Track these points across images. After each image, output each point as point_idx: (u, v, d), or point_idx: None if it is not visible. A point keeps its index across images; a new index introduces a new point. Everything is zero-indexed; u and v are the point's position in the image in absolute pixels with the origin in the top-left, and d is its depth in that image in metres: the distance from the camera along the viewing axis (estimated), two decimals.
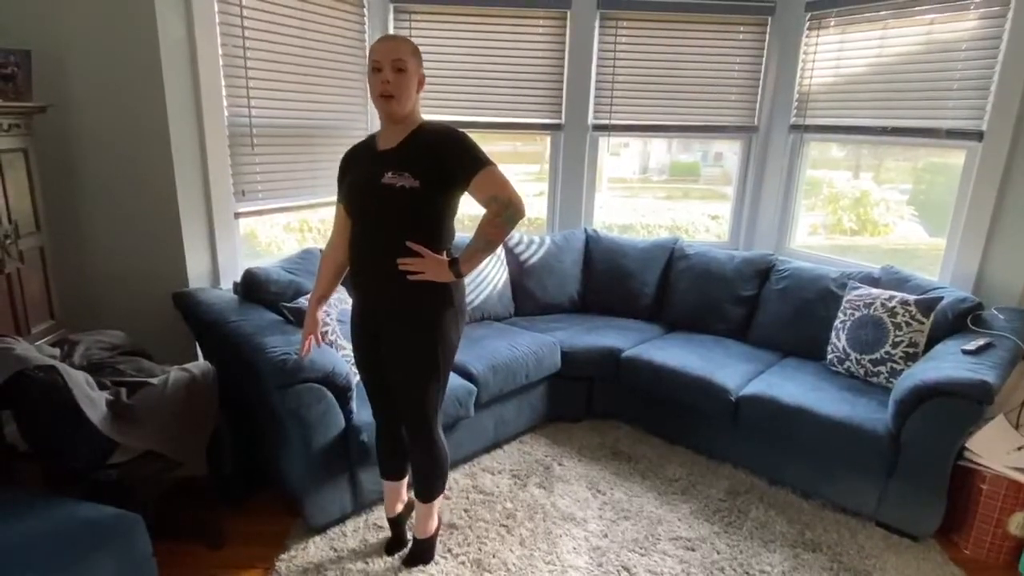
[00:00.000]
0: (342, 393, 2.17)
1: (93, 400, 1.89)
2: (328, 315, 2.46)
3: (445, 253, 1.86)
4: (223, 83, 2.62)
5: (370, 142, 1.90)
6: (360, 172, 1.85)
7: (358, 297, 1.96)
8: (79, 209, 2.54)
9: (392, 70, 1.73)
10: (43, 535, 1.58)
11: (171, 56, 2.43)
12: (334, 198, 3.37)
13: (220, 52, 2.59)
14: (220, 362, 2.34)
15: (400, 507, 2.26)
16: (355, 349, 2.03)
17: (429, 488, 2.08)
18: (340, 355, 2.35)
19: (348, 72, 3.24)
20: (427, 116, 3.69)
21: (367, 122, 3.41)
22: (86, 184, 2.52)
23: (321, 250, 2.90)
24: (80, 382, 1.89)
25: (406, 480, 2.23)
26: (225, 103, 2.65)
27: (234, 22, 2.64)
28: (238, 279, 2.57)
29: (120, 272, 2.60)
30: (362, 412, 2.27)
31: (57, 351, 2.11)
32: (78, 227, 2.55)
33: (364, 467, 2.33)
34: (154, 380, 2.07)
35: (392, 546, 2.24)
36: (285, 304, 2.42)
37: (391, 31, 3.44)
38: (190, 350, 2.67)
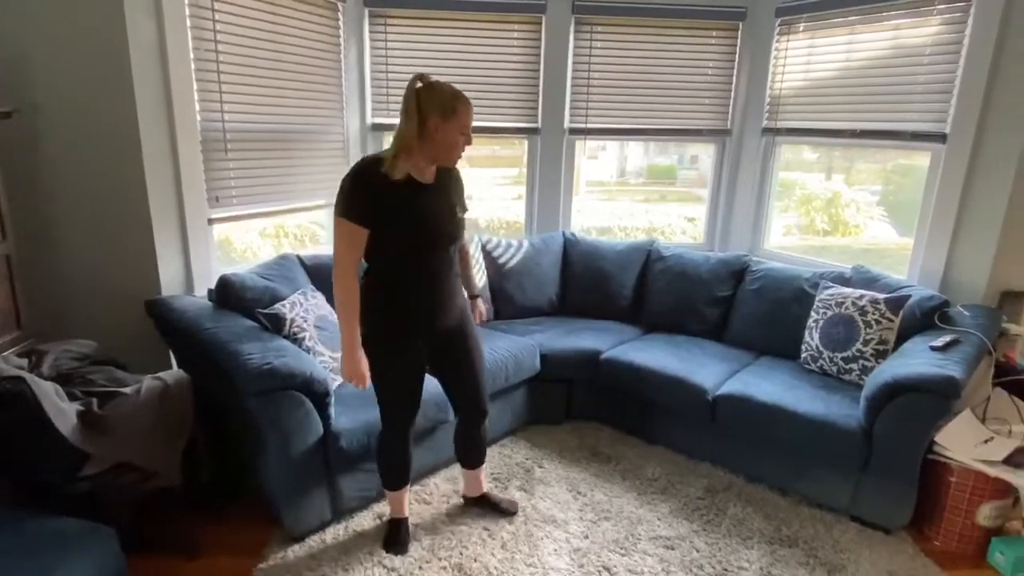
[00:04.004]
0: (320, 399, 2.16)
1: (63, 411, 1.86)
2: (306, 321, 2.45)
3: None
4: (195, 87, 2.59)
5: (385, 170, 1.87)
6: (426, 207, 1.95)
7: (421, 318, 2.05)
8: (47, 216, 2.49)
9: (469, 134, 1.98)
10: (11, 550, 1.54)
11: (141, 60, 2.39)
12: (311, 203, 3.36)
13: (192, 56, 2.56)
14: (195, 370, 2.31)
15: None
16: (403, 368, 2.06)
17: (486, 452, 2.46)
18: (318, 361, 2.34)
19: (324, 77, 3.23)
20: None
21: (343, 127, 3.39)
22: (54, 190, 2.47)
23: (299, 256, 2.89)
24: (49, 393, 1.85)
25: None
26: (198, 107, 2.61)
27: (206, 26, 2.61)
28: (213, 286, 2.54)
29: (90, 280, 2.55)
30: (341, 418, 2.26)
31: (25, 362, 2.06)
32: (46, 234, 2.50)
33: (343, 474, 2.32)
34: (126, 390, 2.03)
35: (391, 543, 2.28)
36: (261, 310, 2.39)
37: (367, 37, 3.43)
38: (164, 359, 2.63)
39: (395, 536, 2.29)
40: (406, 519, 2.35)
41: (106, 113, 2.40)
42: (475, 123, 3.73)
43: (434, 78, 1.92)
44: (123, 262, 2.55)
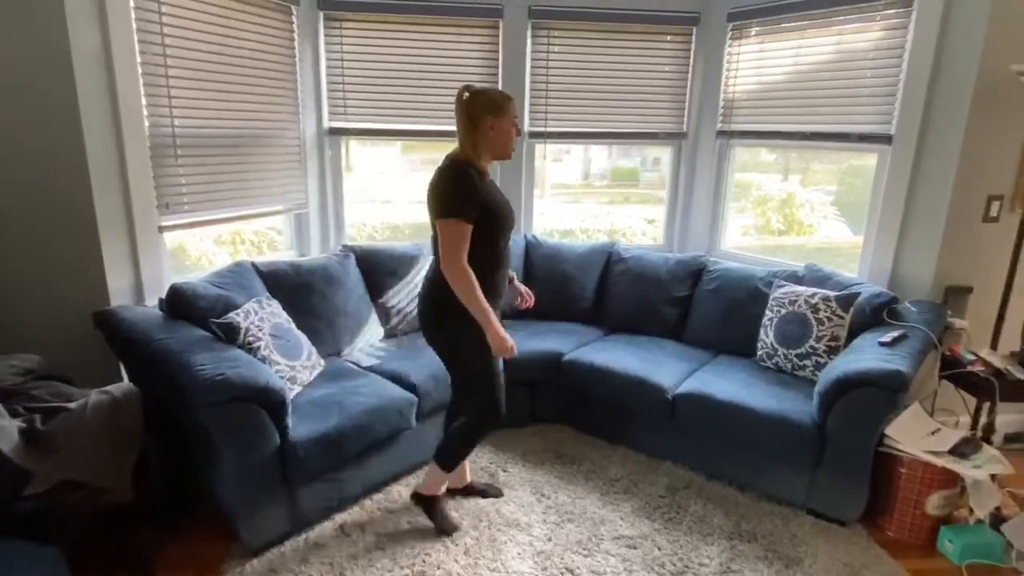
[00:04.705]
0: (276, 409, 2.12)
1: (3, 428, 1.79)
2: (261, 330, 2.40)
3: None
4: (143, 93, 2.52)
5: (475, 168, 2.13)
6: (502, 197, 2.22)
7: (498, 299, 2.28)
8: None
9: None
10: None
11: (85, 66, 2.32)
12: (267, 208, 3.31)
13: (139, 61, 2.49)
14: (147, 382, 2.25)
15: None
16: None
17: None
18: (274, 371, 2.30)
19: (278, 81, 3.17)
20: (359, 124, 3.67)
21: (299, 131, 3.35)
22: None
23: (254, 263, 2.84)
24: None
25: None
26: (146, 113, 2.55)
27: (153, 29, 2.54)
28: (164, 295, 2.48)
29: (35, 291, 2.46)
30: (299, 428, 2.22)
31: None
32: None
33: (302, 485, 2.28)
34: (71, 405, 1.97)
35: (446, 525, 2.41)
36: (214, 320, 2.34)
37: (322, 40, 3.39)
38: (115, 371, 2.55)
39: (443, 513, 2.42)
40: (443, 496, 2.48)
41: (49, 120, 2.32)
42: (434, 127, 3.75)
43: (478, 86, 2.13)
44: (69, 272, 2.46)
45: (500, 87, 3.59)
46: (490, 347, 2.13)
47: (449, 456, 2.36)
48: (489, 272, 2.18)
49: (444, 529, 2.37)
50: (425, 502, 2.40)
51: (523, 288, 2.55)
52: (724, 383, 2.71)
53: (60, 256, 2.45)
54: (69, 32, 2.26)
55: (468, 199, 2.06)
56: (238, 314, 2.39)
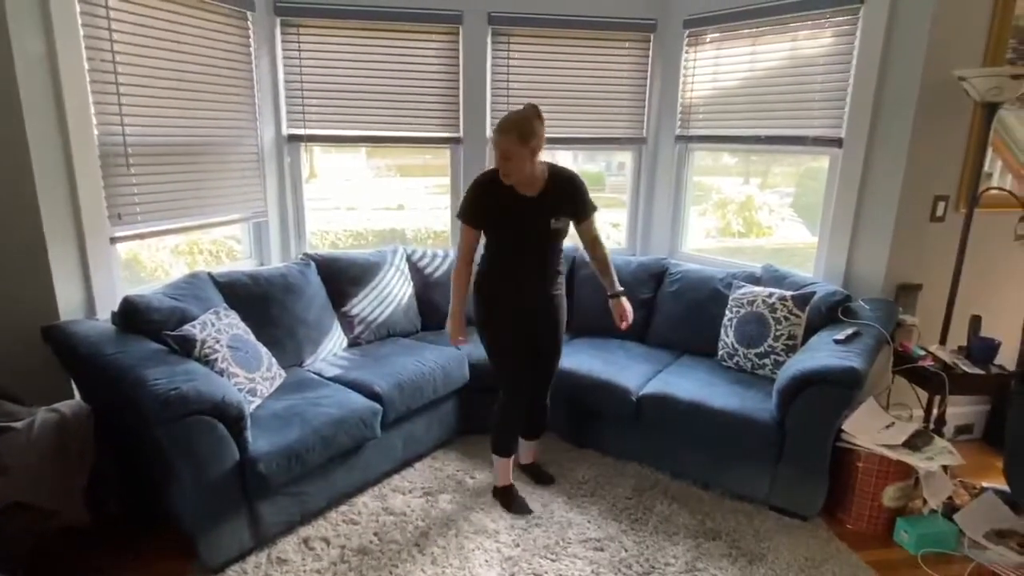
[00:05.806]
0: (234, 423, 2.07)
1: None
2: (218, 342, 2.35)
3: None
4: (91, 100, 2.45)
5: (500, 182, 2.33)
6: (522, 216, 2.38)
7: (516, 301, 2.49)
8: None
9: (502, 159, 2.27)
10: None
11: (29, 74, 2.24)
12: (224, 217, 3.25)
13: (86, 67, 2.42)
14: (100, 399, 2.18)
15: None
16: (514, 342, 2.50)
17: (546, 425, 2.82)
18: (232, 383, 2.25)
19: (234, 87, 3.12)
20: (318, 131, 3.62)
21: (257, 138, 3.29)
22: None
23: (210, 273, 2.78)
24: None
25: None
26: (95, 121, 2.47)
27: (101, 35, 2.47)
28: (117, 308, 2.40)
29: None
30: (259, 441, 2.17)
31: None
32: None
33: (263, 499, 2.23)
34: (17, 424, 1.89)
35: (514, 507, 2.58)
36: (168, 332, 2.28)
37: (279, 46, 3.34)
38: (66, 388, 2.46)
39: (513, 501, 2.58)
40: (513, 484, 2.64)
41: None
42: (394, 133, 3.72)
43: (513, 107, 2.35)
44: (15, 285, 2.37)
45: (461, 94, 3.59)
46: (502, 339, 2.48)
47: (493, 445, 2.61)
48: (501, 261, 2.47)
49: (514, 509, 2.56)
50: (498, 494, 2.63)
51: (626, 306, 2.58)
52: (687, 383, 2.75)
53: (5, 269, 2.36)
54: (10, 33, 2.18)
55: (467, 206, 2.41)
56: (194, 326, 2.33)
